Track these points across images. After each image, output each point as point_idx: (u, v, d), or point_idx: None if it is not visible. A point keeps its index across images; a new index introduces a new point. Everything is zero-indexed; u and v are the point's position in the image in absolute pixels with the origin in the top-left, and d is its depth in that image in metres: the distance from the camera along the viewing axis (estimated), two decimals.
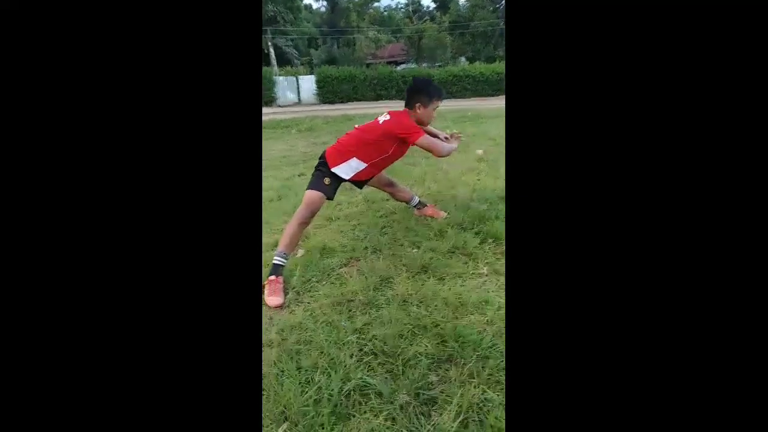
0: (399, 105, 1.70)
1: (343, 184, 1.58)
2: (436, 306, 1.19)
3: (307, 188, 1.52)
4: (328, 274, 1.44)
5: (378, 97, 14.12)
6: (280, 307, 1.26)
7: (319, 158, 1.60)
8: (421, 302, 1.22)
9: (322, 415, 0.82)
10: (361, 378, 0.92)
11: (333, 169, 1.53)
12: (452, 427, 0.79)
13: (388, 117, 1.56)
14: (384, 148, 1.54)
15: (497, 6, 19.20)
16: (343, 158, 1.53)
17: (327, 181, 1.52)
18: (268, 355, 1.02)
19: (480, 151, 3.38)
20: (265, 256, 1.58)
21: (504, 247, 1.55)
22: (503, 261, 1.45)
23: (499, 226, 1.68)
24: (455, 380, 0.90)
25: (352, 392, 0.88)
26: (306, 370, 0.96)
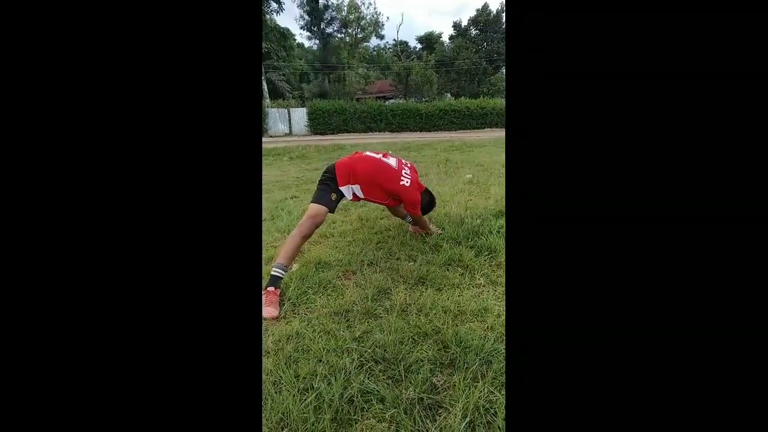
0: (388, 137, 1.76)
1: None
2: (435, 314, 1.18)
3: (312, 201, 1.51)
4: (324, 287, 1.42)
5: (368, 129, 14.50)
6: (276, 319, 1.22)
7: (326, 172, 1.60)
8: (420, 311, 1.21)
9: (323, 421, 0.78)
10: (362, 383, 0.88)
11: (341, 188, 1.55)
12: (459, 428, 0.76)
13: (404, 170, 1.67)
14: (385, 198, 1.64)
15: (479, 48, 20.43)
16: (350, 181, 1.56)
17: (334, 197, 1.53)
18: (264, 364, 0.98)
19: (469, 175, 3.47)
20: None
21: (500, 258, 1.56)
22: (499, 272, 1.45)
23: (494, 240, 1.70)
24: (459, 384, 0.87)
25: (354, 398, 0.85)
26: (304, 378, 0.92)
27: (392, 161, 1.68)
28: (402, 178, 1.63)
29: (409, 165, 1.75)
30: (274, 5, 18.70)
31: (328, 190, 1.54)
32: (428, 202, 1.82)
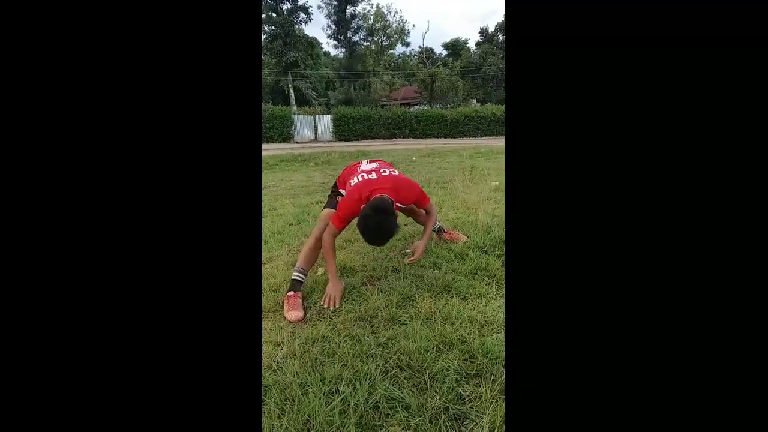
0: (412, 143, 1.77)
1: None
2: (461, 323, 1.16)
3: (324, 207, 1.66)
4: (350, 292, 1.43)
5: (392, 135, 14.57)
6: (300, 321, 1.25)
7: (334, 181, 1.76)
8: (445, 319, 1.19)
9: (349, 425, 0.79)
10: (387, 390, 0.88)
11: (341, 190, 1.66)
12: None
13: (373, 175, 1.45)
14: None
15: None
16: (342, 186, 1.66)
17: (339, 199, 1.61)
18: (291, 365, 1.00)
19: (496, 182, 3.42)
20: (285, 274, 1.59)
21: None
22: None
23: None
24: (486, 395, 0.86)
25: (379, 404, 0.85)
26: (330, 381, 0.93)
27: (371, 166, 1.57)
28: (357, 177, 1.48)
29: (377, 170, 1.49)
30: (303, 16, 19.28)
31: (333, 196, 1.69)
32: (364, 227, 1.24)
